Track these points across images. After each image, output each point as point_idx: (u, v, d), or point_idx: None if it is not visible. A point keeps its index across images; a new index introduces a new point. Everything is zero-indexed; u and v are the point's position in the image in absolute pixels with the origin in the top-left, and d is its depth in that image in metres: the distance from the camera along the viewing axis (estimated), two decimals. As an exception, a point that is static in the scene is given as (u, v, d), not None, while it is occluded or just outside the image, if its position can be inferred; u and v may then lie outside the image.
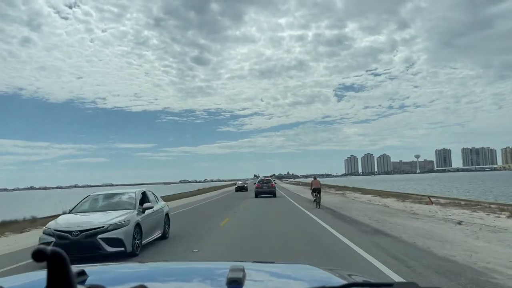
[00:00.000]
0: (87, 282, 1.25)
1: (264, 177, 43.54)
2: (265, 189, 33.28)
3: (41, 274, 1.16)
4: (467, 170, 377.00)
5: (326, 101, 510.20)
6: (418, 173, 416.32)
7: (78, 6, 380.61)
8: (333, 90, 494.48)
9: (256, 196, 32.50)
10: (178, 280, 1.58)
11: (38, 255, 0.84)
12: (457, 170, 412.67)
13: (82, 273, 1.26)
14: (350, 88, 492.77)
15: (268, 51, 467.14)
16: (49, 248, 0.86)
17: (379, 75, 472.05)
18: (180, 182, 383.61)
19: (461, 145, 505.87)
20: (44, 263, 0.85)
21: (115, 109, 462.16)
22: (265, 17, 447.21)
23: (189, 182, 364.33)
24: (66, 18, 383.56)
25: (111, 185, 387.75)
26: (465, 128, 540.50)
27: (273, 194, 32.93)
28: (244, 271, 1.27)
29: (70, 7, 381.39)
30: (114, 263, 2.39)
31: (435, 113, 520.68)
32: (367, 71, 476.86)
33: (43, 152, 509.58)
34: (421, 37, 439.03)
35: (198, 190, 57.79)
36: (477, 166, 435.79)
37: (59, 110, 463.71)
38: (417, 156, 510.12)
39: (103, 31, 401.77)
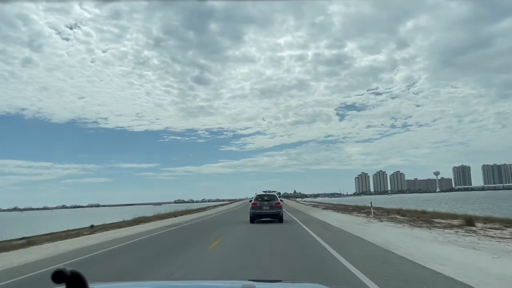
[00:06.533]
0: None
1: (265, 192, 26.56)
2: (267, 209, 21.29)
3: None
4: (494, 189, 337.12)
5: (328, 120, 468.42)
6: (438, 192, 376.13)
7: (79, 27, 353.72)
8: (335, 109, 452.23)
9: (252, 221, 21.21)
10: None
11: (57, 277, 0.81)
12: (482, 188, 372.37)
13: None
14: (352, 107, 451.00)
15: (268, 70, 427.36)
16: (69, 269, 0.82)
17: (380, 94, 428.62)
18: (175, 202, 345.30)
19: (468, 164, 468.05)
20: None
21: (117, 129, 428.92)
22: (264, 37, 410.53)
23: (185, 202, 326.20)
24: (67, 39, 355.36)
25: (98, 205, 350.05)
26: (469, 147, 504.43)
27: (278, 217, 21.20)
28: None
29: (71, 28, 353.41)
30: (121, 282, 2.23)
31: (438, 132, 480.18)
32: (368, 90, 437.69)
33: (46, 172, 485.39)
34: (421, 56, 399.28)
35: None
36: (505, 184, 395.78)
37: (61, 130, 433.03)
38: (436, 173, 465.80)
39: (103, 51, 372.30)
